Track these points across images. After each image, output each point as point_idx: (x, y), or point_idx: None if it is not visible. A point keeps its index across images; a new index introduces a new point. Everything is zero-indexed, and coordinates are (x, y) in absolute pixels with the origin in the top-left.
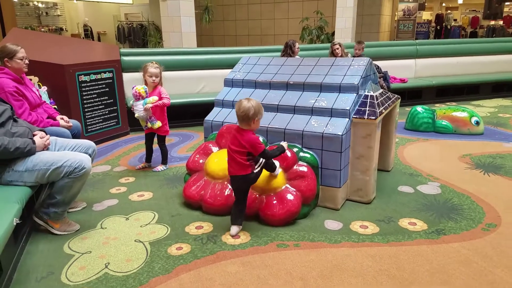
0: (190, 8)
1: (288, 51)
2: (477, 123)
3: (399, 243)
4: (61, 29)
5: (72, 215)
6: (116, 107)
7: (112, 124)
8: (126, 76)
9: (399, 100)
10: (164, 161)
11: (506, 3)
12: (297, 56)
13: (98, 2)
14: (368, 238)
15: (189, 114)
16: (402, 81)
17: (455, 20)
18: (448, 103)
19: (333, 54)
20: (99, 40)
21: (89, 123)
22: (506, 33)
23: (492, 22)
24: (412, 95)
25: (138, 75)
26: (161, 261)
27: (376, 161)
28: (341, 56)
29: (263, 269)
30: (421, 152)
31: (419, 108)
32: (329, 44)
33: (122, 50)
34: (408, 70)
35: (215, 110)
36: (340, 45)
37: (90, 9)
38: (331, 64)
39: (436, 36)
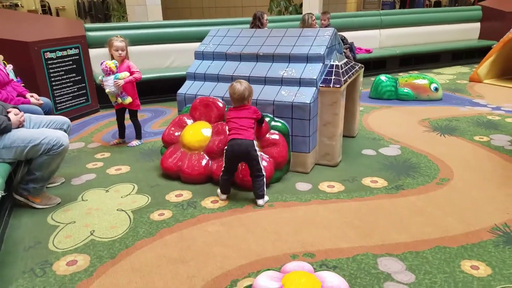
0: None
1: (257, 22)
2: (436, 89)
3: (361, 198)
4: (16, 5)
5: (51, 190)
6: (84, 84)
7: (81, 101)
8: (92, 52)
9: (363, 69)
10: (138, 135)
11: None
12: (265, 28)
13: None
14: (334, 196)
15: (160, 89)
16: (368, 51)
17: None
18: (411, 72)
19: (310, 26)
20: (57, 16)
21: (58, 101)
22: (468, 2)
23: None
24: (377, 65)
25: (105, 50)
26: (144, 226)
27: (341, 127)
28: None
29: (241, 227)
30: (384, 118)
31: (382, 77)
32: (297, 16)
33: (87, 25)
34: (373, 41)
35: (187, 83)
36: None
37: None
38: (298, 35)
39: (401, 6)
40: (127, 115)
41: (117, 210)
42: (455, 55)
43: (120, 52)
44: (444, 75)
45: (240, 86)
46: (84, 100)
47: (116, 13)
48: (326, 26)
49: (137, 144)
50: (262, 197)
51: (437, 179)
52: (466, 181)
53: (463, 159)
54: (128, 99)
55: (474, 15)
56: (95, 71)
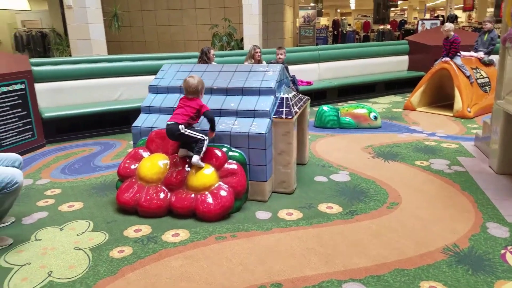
0: (98, 16)
1: (204, 57)
2: (375, 118)
3: (320, 224)
4: None
5: (2, 230)
6: (30, 119)
7: (27, 137)
8: (38, 86)
9: (309, 101)
10: None
11: (392, 9)
12: (213, 63)
13: None
14: (294, 223)
15: (108, 122)
16: (308, 83)
17: (349, 25)
18: (349, 102)
19: (253, 56)
20: None
21: (3, 137)
22: (394, 36)
23: (381, 27)
24: (317, 96)
25: (51, 85)
26: (105, 265)
27: (295, 156)
28: (260, 60)
29: (206, 260)
30: (330, 146)
31: (325, 107)
32: (240, 51)
33: (33, 60)
34: (313, 73)
35: (142, 116)
36: (260, 50)
37: None
38: (249, 70)
39: (334, 40)
40: None
41: (74, 248)
42: (388, 85)
43: None
44: (380, 104)
45: (194, 80)
46: (29, 136)
47: (59, 47)
48: (283, 61)
49: None
50: (198, 153)
51: (387, 203)
52: (414, 204)
53: (408, 183)
54: None
55: (402, 48)
56: (41, 106)
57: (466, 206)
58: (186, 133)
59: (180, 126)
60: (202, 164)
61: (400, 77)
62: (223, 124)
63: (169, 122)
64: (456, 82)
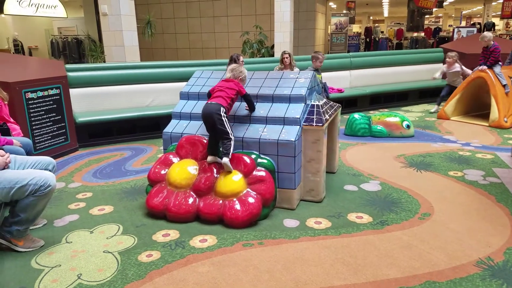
0: (132, 23)
1: (233, 64)
2: (408, 126)
3: (349, 234)
4: None
5: (34, 232)
6: (64, 124)
7: (60, 141)
8: (73, 92)
9: (340, 109)
10: None
11: (426, 16)
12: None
13: (28, 16)
14: (322, 232)
15: (140, 127)
16: (339, 91)
17: (382, 32)
18: (381, 110)
19: (282, 61)
20: (30, 55)
21: (37, 140)
22: (428, 44)
23: (415, 34)
24: (348, 103)
25: (85, 90)
26: (133, 268)
27: (324, 164)
28: (290, 64)
29: (233, 267)
30: (361, 154)
31: (356, 115)
32: (271, 58)
33: (68, 66)
34: (344, 81)
35: (173, 122)
36: (289, 55)
37: (19, 23)
38: (280, 77)
39: (366, 47)
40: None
41: (104, 252)
42: (422, 94)
43: None
44: (413, 113)
45: (237, 65)
46: (63, 139)
47: (93, 54)
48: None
49: None
50: (227, 155)
51: (419, 214)
52: (447, 216)
53: (441, 194)
54: None
55: (437, 56)
56: (74, 111)
57: (501, 219)
58: (224, 118)
59: (222, 108)
60: (231, 168)
61: (434, 86)
62: (252, 131)
63: (209, 102)
64: (492, 91)
